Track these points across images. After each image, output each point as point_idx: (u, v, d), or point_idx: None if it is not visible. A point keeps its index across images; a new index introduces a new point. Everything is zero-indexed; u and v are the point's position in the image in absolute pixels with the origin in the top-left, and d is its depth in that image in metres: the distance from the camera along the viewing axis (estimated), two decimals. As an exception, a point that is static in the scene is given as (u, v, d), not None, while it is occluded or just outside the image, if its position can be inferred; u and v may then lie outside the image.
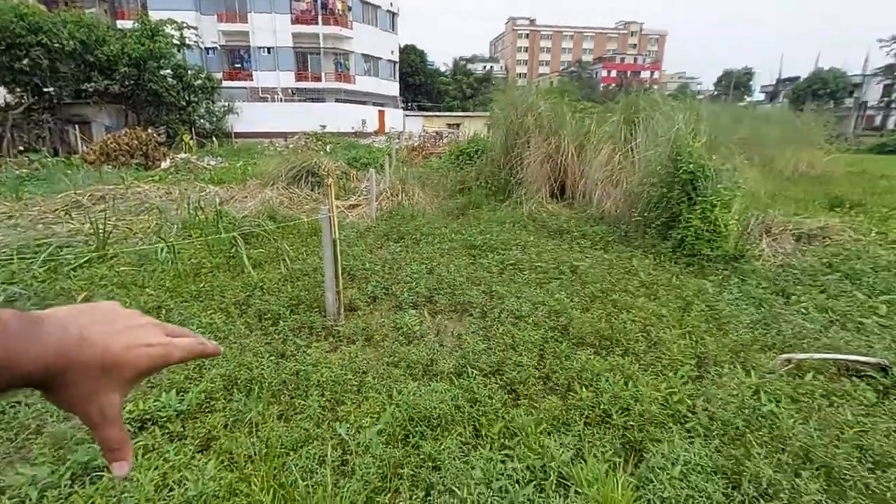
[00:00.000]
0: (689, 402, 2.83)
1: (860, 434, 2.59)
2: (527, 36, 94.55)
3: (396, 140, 25.37)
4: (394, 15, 42.85)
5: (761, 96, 65.19)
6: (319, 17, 36.67)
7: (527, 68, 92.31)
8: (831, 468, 2.30)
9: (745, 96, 59.96)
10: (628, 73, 79.54)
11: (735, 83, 59.68)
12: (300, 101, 35.96)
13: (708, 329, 3.86)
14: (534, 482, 2.18)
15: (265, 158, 17.59)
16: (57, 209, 8.10)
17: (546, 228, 7.41)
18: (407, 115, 41.38)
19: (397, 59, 44.10)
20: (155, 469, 2.26)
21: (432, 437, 2.50)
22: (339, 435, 2.50)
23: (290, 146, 21.08)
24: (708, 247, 5.70)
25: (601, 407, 2.74)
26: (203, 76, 26.39)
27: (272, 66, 37.11)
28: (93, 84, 22.13)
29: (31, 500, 2.10)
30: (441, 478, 2.21)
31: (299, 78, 37.77)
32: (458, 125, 36.80)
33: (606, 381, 2.96)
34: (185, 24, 25.03)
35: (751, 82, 63.23)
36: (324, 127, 28.40)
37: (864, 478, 2.22)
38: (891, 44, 45.35)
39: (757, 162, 12.34)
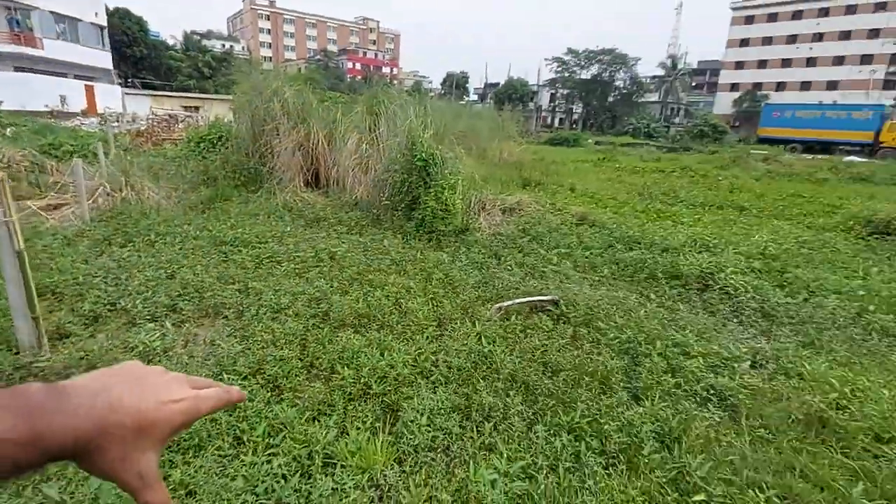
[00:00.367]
0: (433, 357, 3.25)
1: (543, 353, 3.42)
2: (268, 18, 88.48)
3: (115, 123, 20.86)
4: (95, -35, 33.51)
5: (475, 97, 76.50)
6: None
7: (272, 52, 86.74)
8: (528, 383, 2.98)
9: (465, 96, 69.52)
10: (371, 66, 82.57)
11: (456, 84, 68.50)
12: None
13: (445, 293, 4.46)
14: (300, 472, 2.20)
15: None
16: None
17: (303, 217, 7.28)
18: (128, 94, 33.80)
19: (105, 24, 35.40)
20: None
21: (182, 461, 2.25)
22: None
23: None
24: (442, 224, 6.51)
25: (362, 381, 2.92)
26: None
27: None
28: None
29: None
30: (197, 502, 2.03)
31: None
32: (196, 108, 32.23)
33: (365, 356, 3.15)
34: None
35: (467, 84, 73.60)
36: (-1, 103, 21.04)
37: (546, 384, 2.95)
38: (552, 62, 59.26)
39: (474, 151, 14.47)
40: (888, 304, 4.50)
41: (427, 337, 3.54)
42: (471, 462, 2.27)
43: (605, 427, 2.53)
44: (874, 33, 49.92)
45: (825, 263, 5.91)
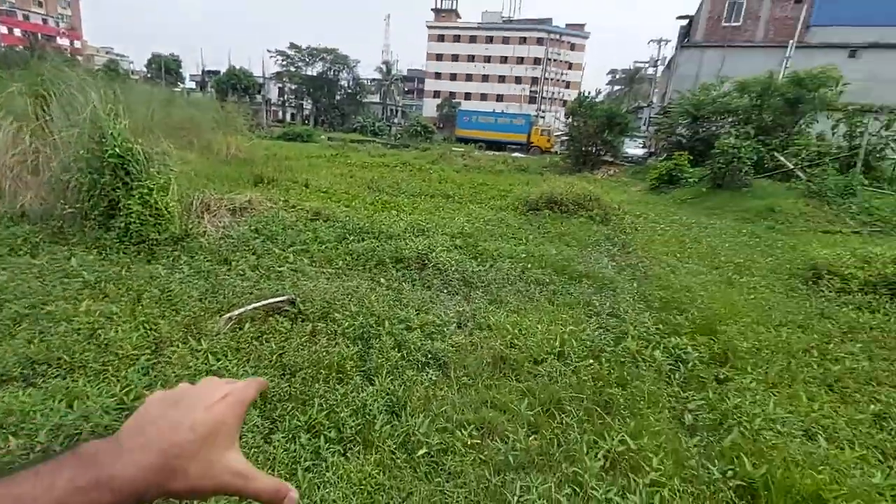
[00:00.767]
0: (146, 393, 2.73)
1: (280, 356, 3.29)
2: None
3: None
4: None
5: (192, 84, 66.69)
6: None
7: None
8: (264, 393, 2.82)
9: (179, 82, 59.68)
10: (39, 35, 62.22)
11: (166, 68, 58.06)
12: None
13: (162, 313, 3.79)
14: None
15: None
16: None
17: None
18: None
19: None
20: None
21: None
22: None
23: None
24: (155, 231, 5.49)
25: (37, 450, 2.23)
26: None
27: None
28: None
29: None
30: None
31: None
32: None
33: (43, 414, 2.41)
34: None
35: (181, 69, 63.30)
36: None
37: (283, 388, 2.85)
38: (275, 55, 56.54)
39: (196, 146, 12.71)
40: (538, 261, 6.01)
41: (139, 370, 2.95)
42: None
43: (342, 415, 2.61)
44: (521, 60, 65.15)
45: (503, 236, 7.47)
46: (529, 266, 5.78)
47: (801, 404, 3.07)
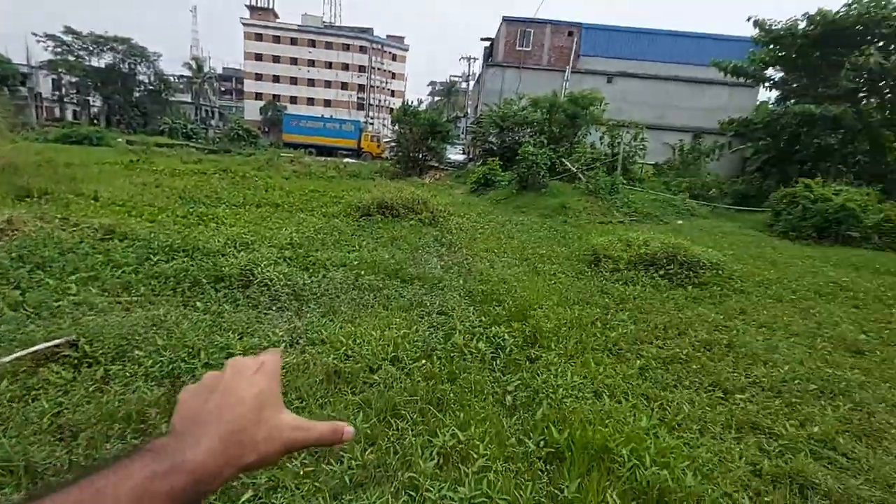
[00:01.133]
0: None
1: (57, 416, 2.59)
2: None
3: None
4: None
5: None
6: None
7: None
8: (28, 468, 2.17)
9: None
10: None
11: None
12: None
13: None
14: None
15: None
16: None
17: None
18: None
19: None
20: None
21: None
22: None
23: None
24: None
25: None
26: None
27: None
28: None
29: None
30: None
31: None
32: None
33: None
34: None
35: None
36: None
37: (58, 457, 2.23)
38: (45, 40, 44.98)
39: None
40: (372, 267, 5.96)
41: None
42: None
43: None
44: (346, 66, 64.45)
45: (335, 244, 7.22)
46: (363, 273, 5.69)
47: (591, 370, 3.63)
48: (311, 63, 63.96)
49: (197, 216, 8.67)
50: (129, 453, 0.40)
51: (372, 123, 57.08)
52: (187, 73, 58.74)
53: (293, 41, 63.68)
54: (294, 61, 63.68)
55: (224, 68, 75.67)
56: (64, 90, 50.63)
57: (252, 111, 60.39)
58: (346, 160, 31.67)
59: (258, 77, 63.45)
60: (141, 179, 13.16)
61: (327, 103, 63.86)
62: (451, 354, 3.72)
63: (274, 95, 61.93)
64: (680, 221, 13.45)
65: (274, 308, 4.63)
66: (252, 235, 7.00)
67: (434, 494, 2.15)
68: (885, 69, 16.88)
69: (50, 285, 4.50)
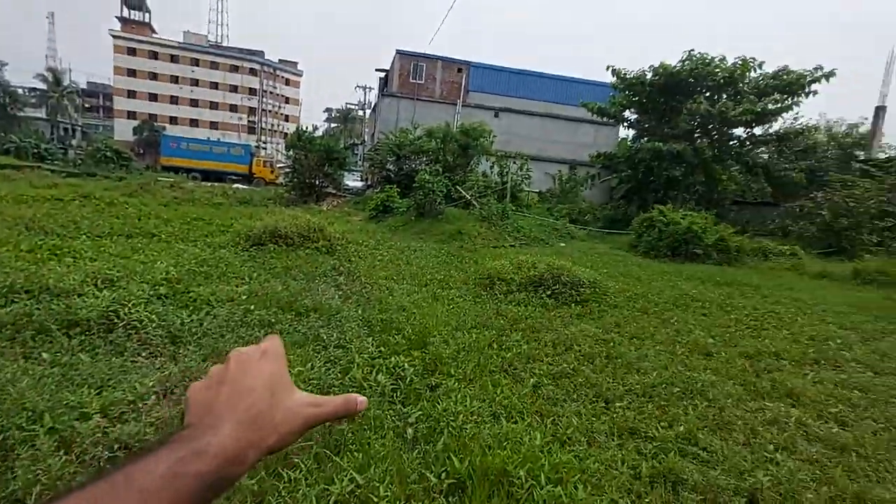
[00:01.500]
0: None
1: None
2: None
3: None
4: None
5: None
6: None
7: None
8: None
9: None
10: None
11: None
12: None
13: None
14: None
15: None
16: None
17: None
18: None
19: None
20: None
21: None
22: None
23: None
24: None
25: None
26: None
27: None
28: None
29: None
30: None
31: None
32: None
33: None
34: None
35: None
36: None
37: None
38: None
39: None
40: (263, 301, 5.50)
41: None
42: None
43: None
44: (235, 88, 60.73)
45: (221, 277, 6.56)
46: (253, 307, 5.22)
47: (489, 392, 3.69)
48: (195, 82, 59.17)
49: (48, 249, 7.30)
50: (154, 445, 0.40)
51: (265, 148, 54.18)
52: (41, 85, 50.70)
53: (174, 58, 58.51)
54: (175, 79, 58.39)
55: (88, 82, 67.00)
56: None
57: (124, 131, 53.78)
58: (235, 185, 29.46)
59: (131, 94, 56.89)
60: (-31, 207, 10.82)
61: (214, 125, 59.30)
62: (350, 390, 3.52)
63: (150, 115, 55.89)
64: (562, 244, 14.67)
65: (143, 354, 4.01)
66: (118, 270, 6.06)
67: (329, 552, 1.95)
68: (711, 114, 20.55)
69: None
